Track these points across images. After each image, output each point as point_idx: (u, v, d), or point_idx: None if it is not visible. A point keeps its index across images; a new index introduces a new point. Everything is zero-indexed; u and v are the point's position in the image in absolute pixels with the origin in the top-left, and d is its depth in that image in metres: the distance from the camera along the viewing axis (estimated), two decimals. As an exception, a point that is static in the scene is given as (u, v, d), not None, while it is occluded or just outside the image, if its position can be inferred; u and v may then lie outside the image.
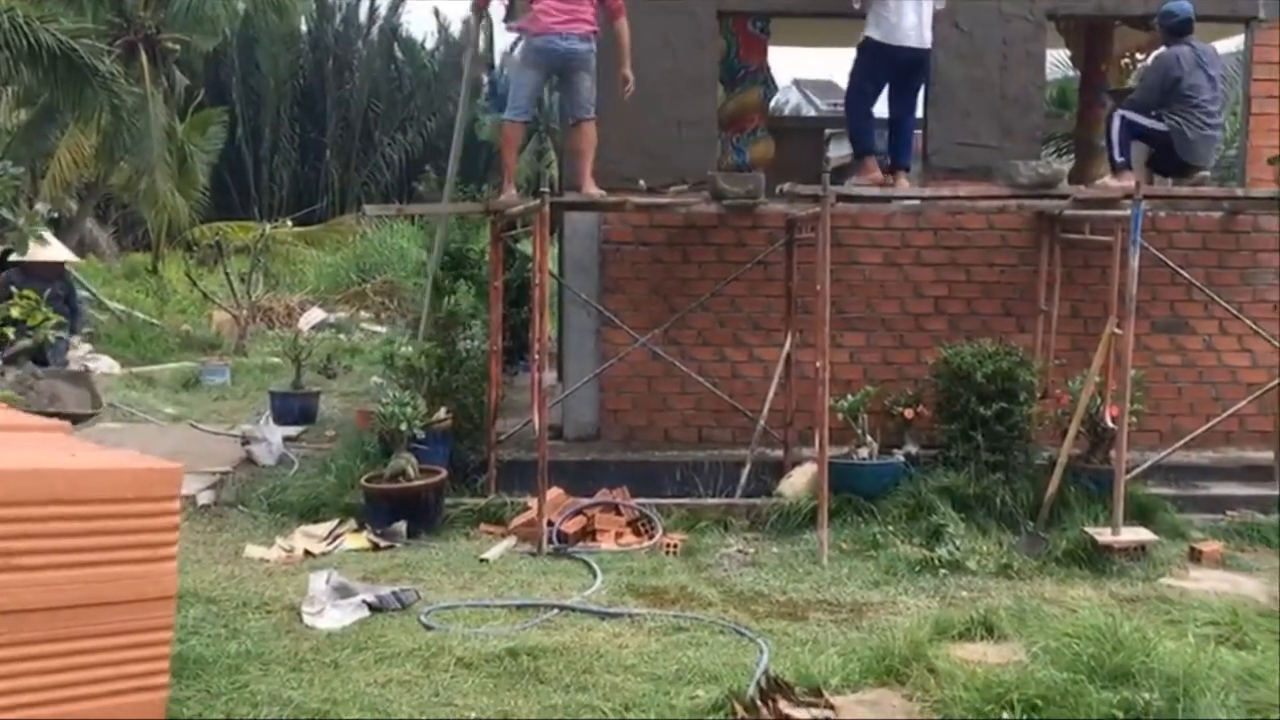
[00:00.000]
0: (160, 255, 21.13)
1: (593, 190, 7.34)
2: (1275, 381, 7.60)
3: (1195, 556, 6.65)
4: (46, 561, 3.11)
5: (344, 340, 16.18)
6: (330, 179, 31.14)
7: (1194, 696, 4.14)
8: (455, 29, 34.58)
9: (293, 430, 9.72)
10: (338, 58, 32.28)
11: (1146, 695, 4.14)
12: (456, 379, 7.86)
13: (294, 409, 10.36)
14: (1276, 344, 7.60)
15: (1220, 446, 8.07)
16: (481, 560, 6.47)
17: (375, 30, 33.41)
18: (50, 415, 5.72)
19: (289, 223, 20.74)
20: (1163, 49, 7.89)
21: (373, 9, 33.25)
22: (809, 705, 4.29)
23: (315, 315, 17.96)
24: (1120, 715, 4.08)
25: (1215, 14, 8.07)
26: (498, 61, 35.59)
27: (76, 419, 6.77)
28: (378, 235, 21.65)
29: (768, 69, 9.74)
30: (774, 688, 4.34)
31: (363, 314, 18.79)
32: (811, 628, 5.49)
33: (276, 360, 13.89)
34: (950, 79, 8.17)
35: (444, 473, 7.21)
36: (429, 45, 34.89)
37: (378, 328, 17.78)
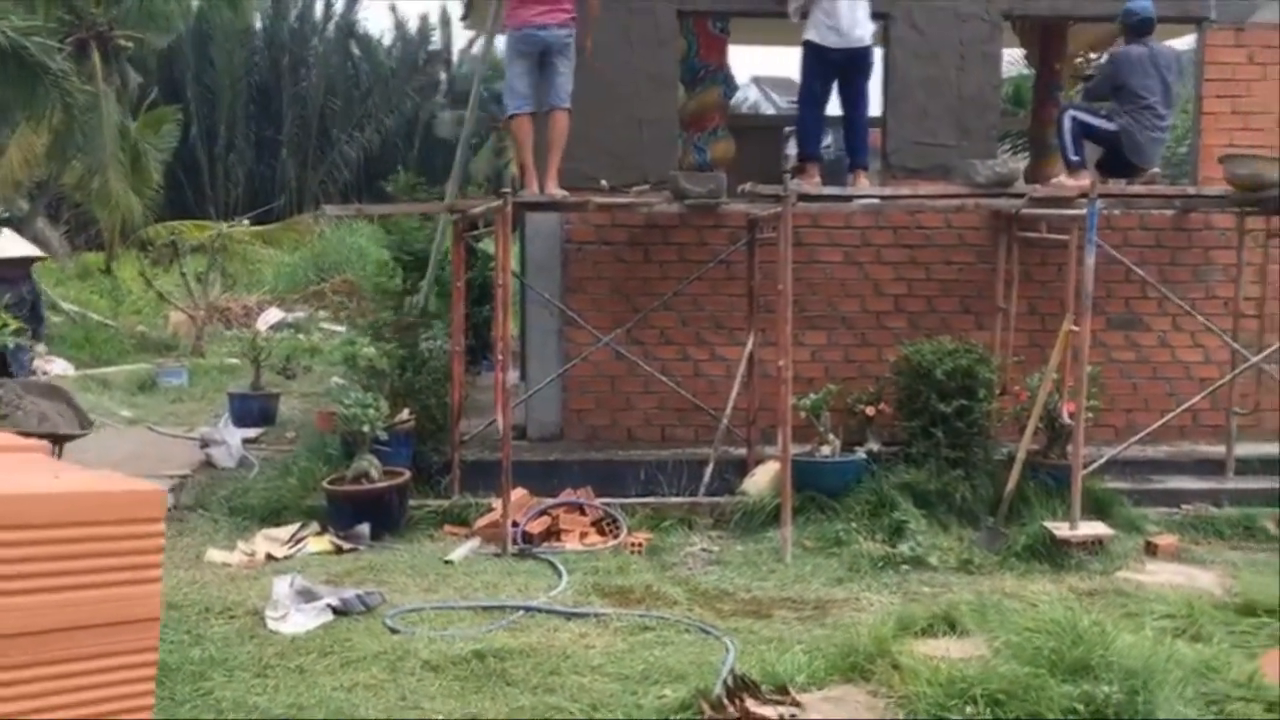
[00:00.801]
0: (114, 255, 20.84)
1: (555, 190, 7.33)
2: (1228, 377, 7.74)
3: (1151, 550, 6.76)
4: (34, 586, 3.11)
5: (303, 340, 16.05)
6: (287, 177, 30.83)
7: (1152, 689, 4.20)
8: (413, 25, 34.43)
9: (252, 432, 9.65)
10: (293, 54, 31.94)
11: (1106, 688, 4.20)
12: (419, 380, 7.83)
13: (253, 410, 10.27)
14: (1228, 340, 7.74)
15: (1174, 441, 8.19)
16: (446, 562, 6.45)
17: (331, 27, 33.11)
18: (41, 436, 5.67)
19: (246, 222, 20.52)
20: (1120, 46, 8.01)
21: (328, 5, 32.96)
22: (776, 703, 4.33)
23: (273, 315, 17.78)
24: (1081, 708, 4.13)
25: (1168, 14, 8.17)
26: (455, 59, 35.61)
27: (65, 438, 6.71)
28: (336, 234, 21.46)
29: (728, 68, 9.77)
30: (741, 686, 4.37)
31: (321, 314, 18.61)
32: (776, 625, 5.52)
33: (234, 361, 13.75)
34: (908, 79, 8.24)
35: (407, 474, 7.18)
36: (386, 42, 34.66)
37: (337, 327, 17.61)
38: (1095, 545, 6.58)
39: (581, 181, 7.64)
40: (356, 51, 33.56)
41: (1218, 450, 7.99)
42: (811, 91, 7.69)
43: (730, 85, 9.97)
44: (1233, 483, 7.77)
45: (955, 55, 8.22)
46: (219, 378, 12.98)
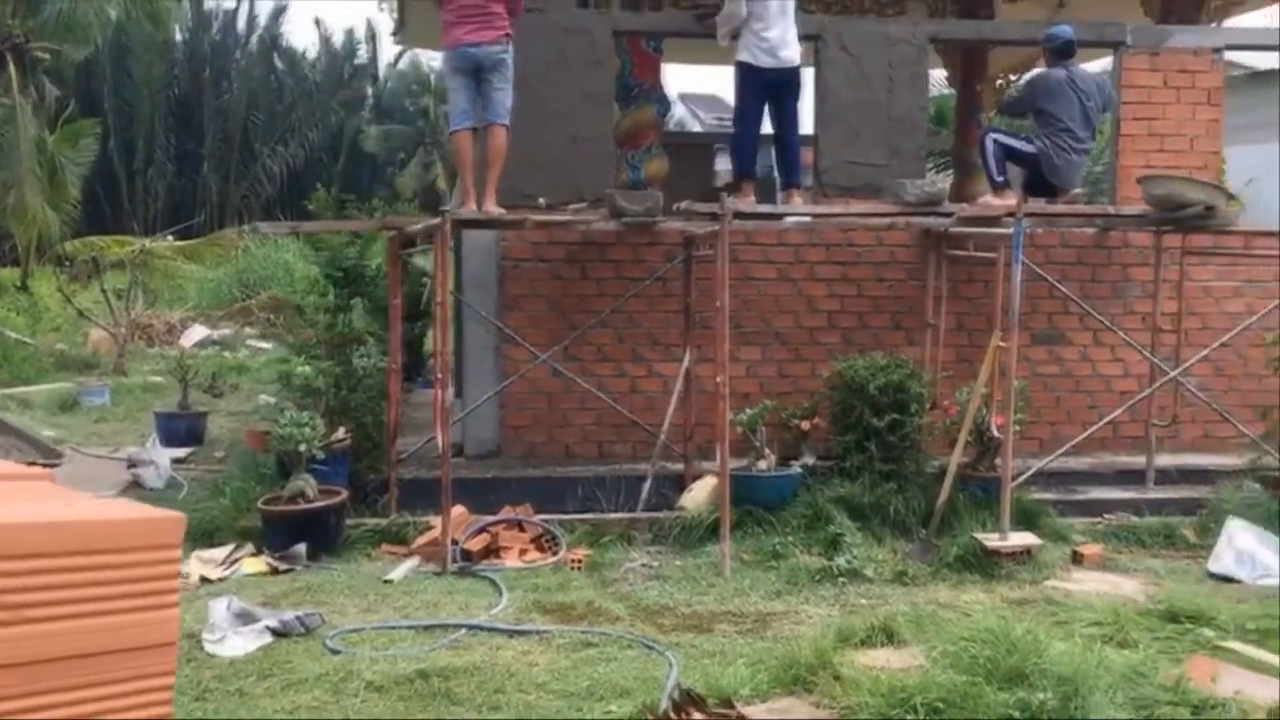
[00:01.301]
0: (30, 271, 20.33)
1: (492, 207, 7.34)
2: (1147, 391, 7.99)
3: (1077, 559, 6.94)
4: (57, 613, 3.17)
5: (229, 358, 15.83)
6: (208, 191, 30.39)
7: (1084, 695, 4.32)
8: (338, 39, 34.15)
9: (180, 452, 9.48)
10: (215, 67, 31.55)
11: (1041, 695, 4.31)
12: (354, 398, 7.77)
13: (181, 430, 10.11)
14: (1146, 354, 8.00)
15: (1096, 452, 8.42)
16: (385, 581, 6.41)
17: (254, 40, 32.73)
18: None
19: (170, 237, 20.17)
20: (1042, 69, 8.26)
21: (251, 18, 32.60)
22: (721, 716, 4.37)
23: (198, 332, 17.52)
24: (1017, 715, 4.24)
25: (1087, 39, 8.45)
26: (382, 74, 35.41)
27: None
28: (262, 250, 21.20)
29: (661, 87, 9.88)
30: (687, 700, 4.40)
31: (248, 330, 18.38)
32: (718, 639, 5.57)
33: (159, 379, 13.52)
34: (839, 100, 8.40)
35: (344, 493, 7.12)
36: (311, 55, 34.34)
37: (264, 344, 17.41)
38: (1024, 555, 6.74)
39: (519, 199, 7.68)
40: (280, 65, 33.25)
41: (1138, 461, 8.22)
42: (745, 111, 7.82)
43: (664, 104, 10.07)
44: (1153, 492, 7.99)
45: (884, 77, 8.40)
46: (143, 396, 12.73)
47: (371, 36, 34.78)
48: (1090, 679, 4.43)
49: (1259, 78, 18.01)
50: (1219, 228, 7.64)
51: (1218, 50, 8.74)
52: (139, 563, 3.35)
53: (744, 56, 7.69)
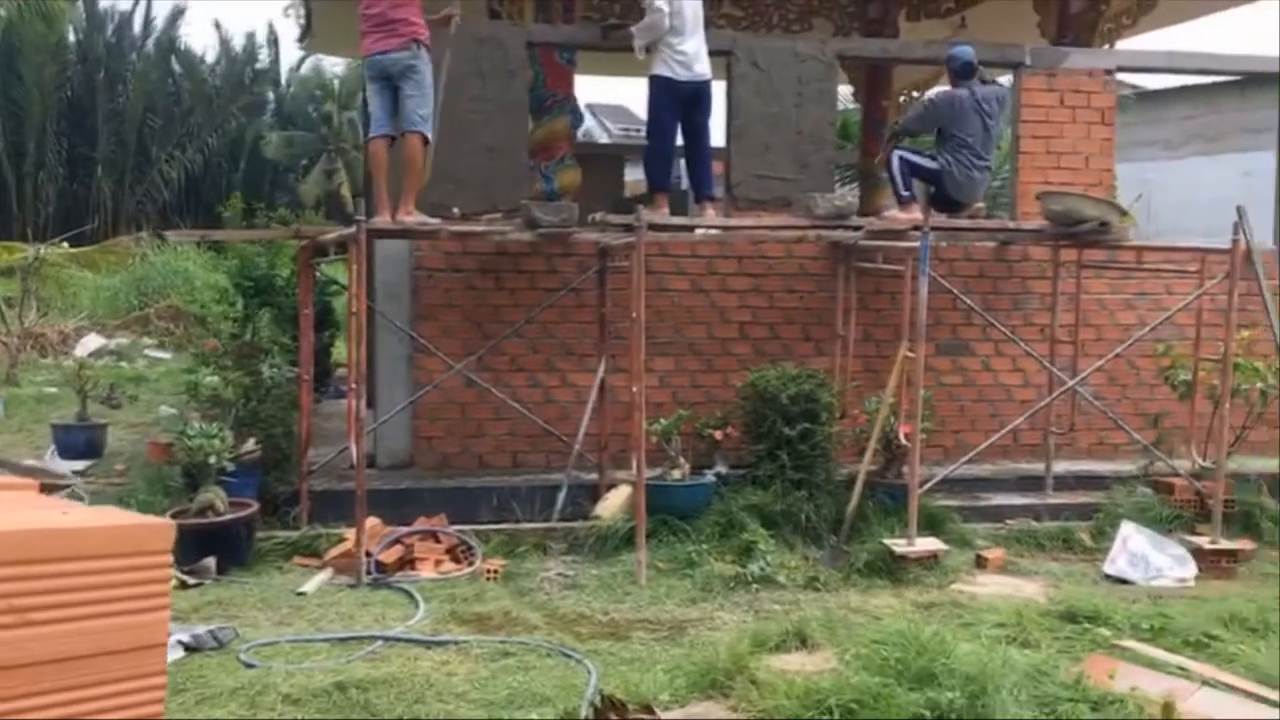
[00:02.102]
0: (-87, 278, 19.54)
1: (407, 218, 7.31)
2: (1045, 400, 8.27)
3: (981, 563, 7.15)
4: (57, 616, 3.33)
5: (126, 368, 15.40)
6: (102, 197, 29.48)
7: (990, 693, 4.48)
8: (238, 43, 33.49)
9: (80, 465, 9.22)
10: (110, 70, 30.64)
11: (949, 694, 4.46)
12: (264, 409, 7.66)
13: (79, 442, 9.81)
14: (1045, 364, 8.28)
15: (998, 460, 8.66)
16: (299, 594, 6.33)
17: (151, 42, 31.91)
18: None
19: (65, 244, 19.55)
20: (946, 88, 8.51)
21: (148, 20, 31.79)
22: (642, 722, 4.43)
23: (93, 341, 16.99)
24: (927, 714, 4.38)
25: (987, 59, 8.71)
26: (284, 79, 34.83)
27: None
28: (160, 257, 20.64)
29: (574, 98, 9.92)
30: (608, 706, 4.44)
31: (145, 340, 17.89)
32: (635, 647, 5.62)
33: (54, 390, 13.09)
34: (750, 115, 8.55)
35: (255, 506, 7.02)
36: (210, 59, 33.62)
37: (162, 354, 16.97)
38: (931, 560, 6.92)
39: (433, 209, 7.65)
40: (178, 68, 32.43)
41: (1037, 467, 8.50)
42: (661, 124, 7.92)
43: (577, 115, 10.11)
44: (1051, 498, 8.27)
45: (794, 93, 8.57)
46: (36, 408, 12.31)
47: (273, 41, 34.22)
48: (995, 678, 4.58)
49: (1147, 97, 18.79)
50: (1113, 243, 7.95)
51: (1110, 71, 9.11)
52: (133, 567, 3.51)
53: (660, 70, 7.78)
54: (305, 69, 34.39)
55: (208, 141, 31.36)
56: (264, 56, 34.00)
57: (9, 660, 3.23)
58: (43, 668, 3.29)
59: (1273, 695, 4.83)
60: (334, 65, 32.67)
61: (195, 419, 7.62)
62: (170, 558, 3.70)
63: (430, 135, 7.37)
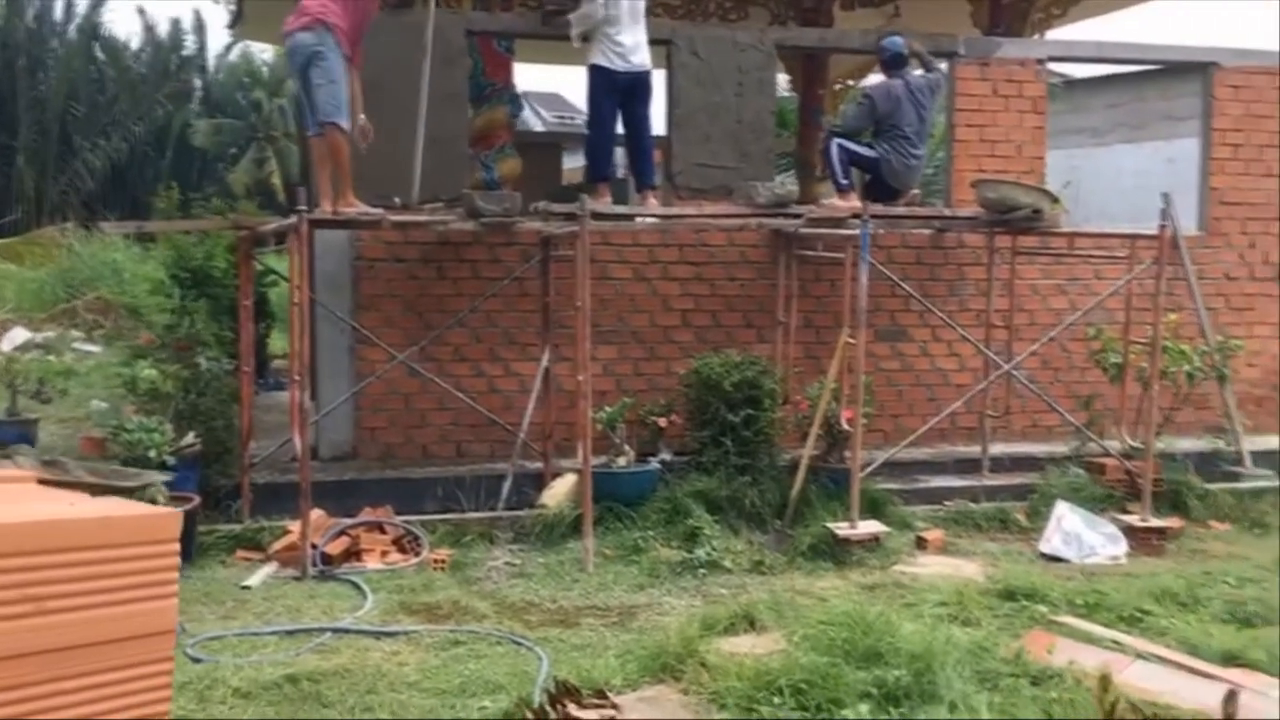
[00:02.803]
0: None
1: (346, 208, 7.24)
2: (982, 384, 8.44)
3: (921, 544, 7.29)
4: (70, 604, 3.44)
5: (54, 361, 15.06)
6: (23, 187, 28.74)
7: (934, 670, 4.57)
8: (163, 29, 32.78)
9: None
10: (30, 56, 29.83)
11: (895, 672, 4.56)
12: (204, 401, 7.56)
13: (10, 438, 9.54)
14: (981, 348, 8.45)
15: (936, 443, 8.83)
16: (244, 588, 6.28)
17: (73, 28, 31.12)
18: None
19: (-10, 236, 19.04)
20: (880, 79, 8.63)
21: (70, 5, 30.99)
22: (596, 706, 4.46)
23: (19, 335, 16.57)
24: (874, 692, 4.47)
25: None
26: (211, 65, 34.18)
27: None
28: (88, 249, 20.19)
29: (513, 86, 9.91)
30: (562, 692, 4.48)
31: (74, 333, 17.50)
32: (585, 633, 5.67)
33: (-20, 385, 12.78)
34: (691, 104, 8.60)
35: (196, 499, 6.93)
36: (134, 46, 32.87)
37: (91, 347, 16.61)
38: (873, 542, 7.05)
39: (373, 199, 7.58)
40: (101, 55, 31.66)
41: (974, 450, 8.68)
42: (600, 114, 7.92)
43: (516, 103, 10.11)
44: (988, 479, 8.45)
45: (734, 82, 8.64)
46: (-39, 404, 12.01)
47: (199, 27, 33.53)
48: (939, 655, 4.68)
49: (1074, 86, 19.14)
50: (1045, 229, 8.13)
51: (1041, 61, 9.29)
52: (141, 556, 3.61)
53: (598, 60, 7.79)
54: (233, 55, 33.76)
55: (133, 129, 30.65)
56: (190, 43, 33.35)
57: (27, 647, 3.35)
58: (58, 655, 3.41)
59: (1203, 666, 4.99)
60: (263, 51, 32.15)
61: (131, 413, 7.52)
62: (177, 546, 3.78)
63: (345, 124, 7.07)
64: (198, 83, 34.22)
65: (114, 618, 3.54)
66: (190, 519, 6.83)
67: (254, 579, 6.40)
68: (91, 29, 31.23)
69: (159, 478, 6.41)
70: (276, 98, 32.09)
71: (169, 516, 3.82)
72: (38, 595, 3.38)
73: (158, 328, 9.08)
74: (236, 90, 33.58)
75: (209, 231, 9.42)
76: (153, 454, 6.71)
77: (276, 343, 13.33)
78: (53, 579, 3.41)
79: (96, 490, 5.52)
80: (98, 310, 18.18)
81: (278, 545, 6.84)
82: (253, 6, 11.86)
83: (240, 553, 6.93)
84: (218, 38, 33.91)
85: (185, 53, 33.25)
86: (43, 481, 4.58)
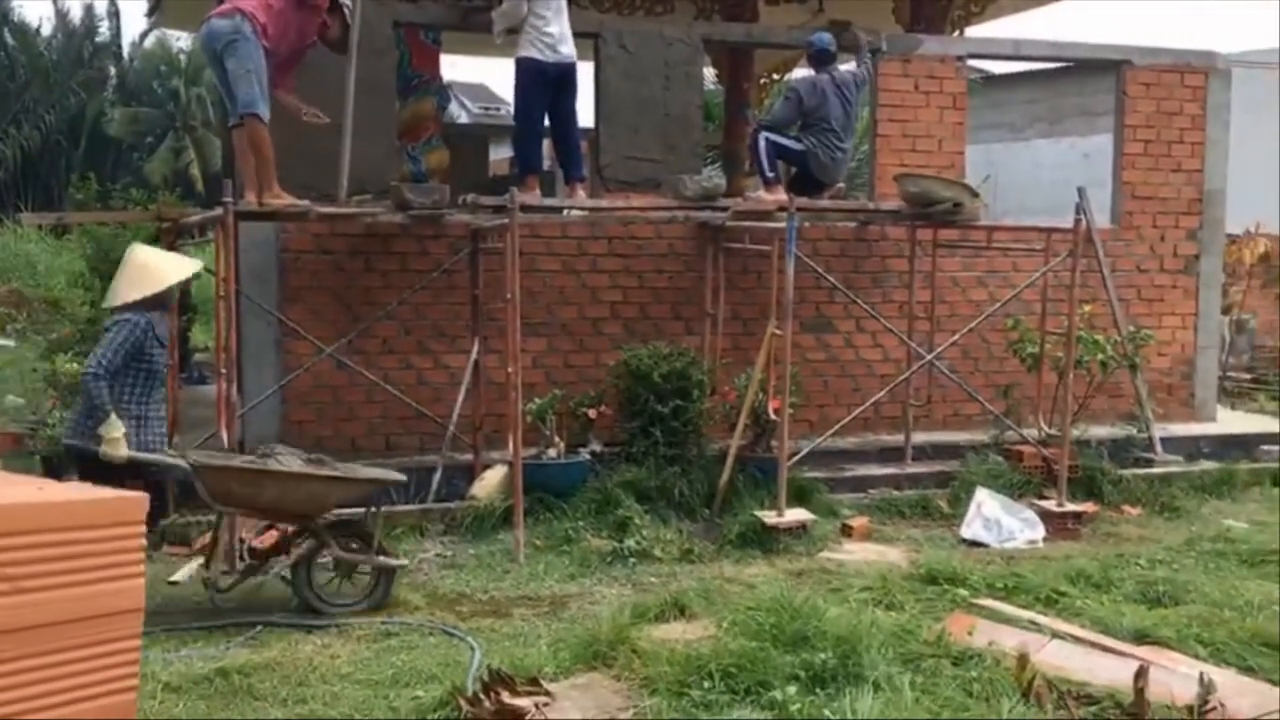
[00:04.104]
0: None
1: (272, 200, 7.17)
2: (904, 374, 8.63)
3: (847, 532, 7.44)
4: (43, 584, 3.58)
5: (-36, 356, 14.68)
6: (-71, 177, 27.93)
7: (860, 653, 4.70)
8: (76, 14, 31.99)
9: (-76, 458, 8.81)
10: (-64, 42, 28.99)
11: (822, 655, 4.68)
12: (127, 395, 7.43)
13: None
14: (904, 339, 8.63)
15: (861, 432, 8.98)
16: (171, 583, 6.18)
17: (-20, 13, 30.27)
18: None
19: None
20: (807, 73, 8.76)
21: (-25, -10, 30.13)
22: (529, 694, 4.52)
23: (-72, 329, 16.15)
24: (802, 674, 4.59)
25: (845, 44, 8.99)
26: (127, 52, 33.41)
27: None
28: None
29: (441, 78, 9.87)
30: (495, 680, 4.53)
31: (-15, 327, 17.05)
32: (517, 623, 5.72)
33: (-113, 381, 12.42)
34: (619, 97, 8.65)
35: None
36: (45, 31, 32.02)
37: (4, 341, 16.23)
38: (800, 530, 7.18)
39: (298, 191, 7.51)
40: (11, 40, 30.79)
41: (897, 439, 8.86)
42: (529, 107, 7.93)
43: (444, 95, 10.07)
44: (910, 468, 8.65)
45: (661, 76, 8.70)
46: None
47: (114, 13, 32.77)
48: (864, 638, 4.82)
49: (993, 81, 19.55)
50: (965, 222, 8.33)
51: (961, 58, 9.50)
52: (110, 537, 3.75)
53: (528, 52, 7.78)
54: (149, 43, 33.03)
55: (45, 118, 29.87)
56: (105, 29, 32.58)
57: (4, 625, 3.48)
58: (33, 632, 3.54)
59: (1116, 645, 5.19)
60: (180, 39, 31.52)
61: (50, 406, 7.39)
62: (143, 528, 3.89)
63: (264, 114, 7.00)
64: (112, 70, 33.44)
65: (86, 596, 3.67)
66: (114, 515, 6.74)
67: (181, 574, 6.29)
68: (0, 14, 30.36)
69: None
70: (195, 86, 31.48)
71: (136, 499, 3.93)
72: (14, 575, 3.50)
73: (79, 320, 8.93)
74: (153, 78, 32.90)
75: (126, 223, 9.26)
76: (76, 448, 6.56)
77: (199, 335, 13.14)
78: (28, 559, 3.53)
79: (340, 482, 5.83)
80: (11, 303, 17.73)
81: (204, 539, 6.75)
82: (172, -6, 11.66)
83: (166, 548, 6.84)
84: (134, 24, 33.27)
85: (99, 39, 32.49)
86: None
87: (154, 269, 5.80)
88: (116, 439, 5.47)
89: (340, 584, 5.97)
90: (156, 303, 5.77)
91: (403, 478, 6.46)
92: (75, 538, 3.67)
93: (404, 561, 6.28)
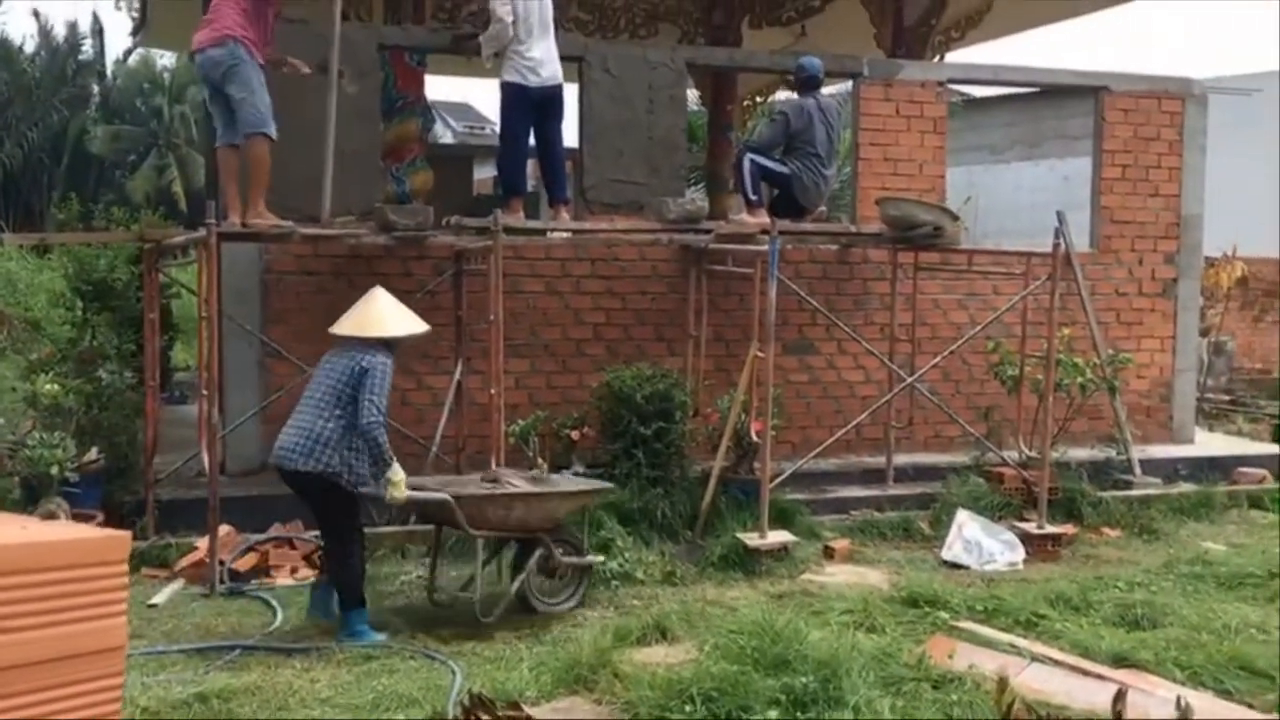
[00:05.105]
0: None
1: (257, 220, 7.17)
2: (886, 396, 8.67)
3: (829, 554, 7.46)
4: (26, 623, 3.59)
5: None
6: (-90, 194, 27.79)
7: (841, 676, 4.72)
8: (59, 31, 31.92)
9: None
10: (-83, 58, 28.90)
11: (803, 678, 4.69)
12: (106, 416, 7.42)
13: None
14: (886, 361, 8.67)
15: (843, 454, 9.01)
16: (150, 606, 6.19)
17: (-38, 31, 30.16)
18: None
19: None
20: (793, 98, 8.82)
21: (-41, 7, 30.04)
22: (511, 718, 4.51)
23: (-95, 348, 16.02)
24: (783, 698, 4.60)
25: (829, 69, 9.05)
26: (109, 70, 33.36)
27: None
28: (-20, 259, 19.59)
29: (425, 99, 9.90)
30: (476, 704, 4.51)
31: (-38, 347, 16.92)
32: (498, 646, 5.69)
33: None
34: (603, 120, 8.69)
35: (100, 516, 6.80)
36: (29, 49, 31.93)
37: (-18, 361, 16.11)
38: (782, 552, 7.20)
39: (283, 212, 7.51)
40: (-7, 58, 30.75)
41: (879, 461, 8.90)
42: (514, 130, 7.97)
43: (428, 116, 10.10)
44: (892, 489, 8.68)
45: (645, 99, 8.76)
46: None
47: (98, 31, 32.72)
48: (845, 662, 4.85)
49: (973, 104, 19.70)
50: (946, 246, 8.38)
51: (942, 83, 9.58)
52: (93, 576, 3.78)
53: (511, 77, 7.83)
54: (133, 61, 32.99)
55: (27, 135, 29.80)
56: (88, 47, 32.52)
57: None
58: (15, 671, 3.55)
59: (1094, 668, 5.21)
60: (164, 57, 31.49)
61: (29, 427, 7.35)
62: (126, 566, 3.91)
63: (272, 133, 7.09)
64: (95, 88, 33.39)
65: (69, 635, 3.69)
66: (93, 536, 6.71)
67: (160, 597, 6.32)
68: (-17, 32, 30.30)
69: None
70: (178, 104, 31.44)
71: (118, 538, 3.97)
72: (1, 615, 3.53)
73: (60, 340, 8.90)
74: (136, 96, 32.85)
75: (108, 243, 9.25)
76: (54, 470, 6.58)
77: (180, 355, 13.10)
78: (11, 599, 3.55)
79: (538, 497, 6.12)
80: (-11, 322, 17.60)
81: (184, 562, 6.75)
82: (157, 14, 11.67)
83: (146, 570, 6.80)
84: (118, 42, 33.21)
85: (83, 57, 32.44)
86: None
87: (408, 312, 6.22)
88: (399, 482, 5.67)
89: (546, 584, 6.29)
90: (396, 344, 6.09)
91: (612, 486, 6.98)
92: (58, 577, 3.68)
93: (600, 558, 6.63)
